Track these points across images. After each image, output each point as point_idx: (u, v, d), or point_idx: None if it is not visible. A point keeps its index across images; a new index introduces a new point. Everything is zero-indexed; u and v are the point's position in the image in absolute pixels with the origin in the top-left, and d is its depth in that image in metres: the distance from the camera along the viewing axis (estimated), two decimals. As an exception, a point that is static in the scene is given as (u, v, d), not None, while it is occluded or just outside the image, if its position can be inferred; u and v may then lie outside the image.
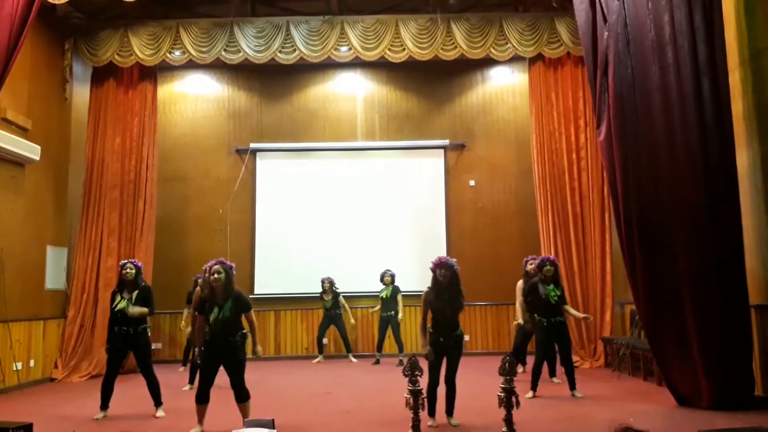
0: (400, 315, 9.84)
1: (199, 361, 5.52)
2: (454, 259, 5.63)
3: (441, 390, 5.55)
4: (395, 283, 9.97)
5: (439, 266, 5.52)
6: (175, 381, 8.41)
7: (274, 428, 4.86)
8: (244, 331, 5.46)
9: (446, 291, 5.50)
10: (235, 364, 5.40)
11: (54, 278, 9.37)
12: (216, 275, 5.32)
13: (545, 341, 7.01)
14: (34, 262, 8.90)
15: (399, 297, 9.89)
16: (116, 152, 10.01)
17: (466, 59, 10.20)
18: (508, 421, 4.61)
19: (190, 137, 11.77)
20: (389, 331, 9.98)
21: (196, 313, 5.61)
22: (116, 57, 9.82)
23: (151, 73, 10.36)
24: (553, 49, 9.88)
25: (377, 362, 9.95)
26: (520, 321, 8.18)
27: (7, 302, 8.00)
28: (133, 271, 6.36)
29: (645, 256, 6.47)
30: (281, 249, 11.24)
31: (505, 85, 11.90)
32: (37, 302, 8.91)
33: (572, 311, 7.30)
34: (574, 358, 9.45)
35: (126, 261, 6.53)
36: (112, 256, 9.68)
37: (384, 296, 9.94)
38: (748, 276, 6.16)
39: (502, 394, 4.63)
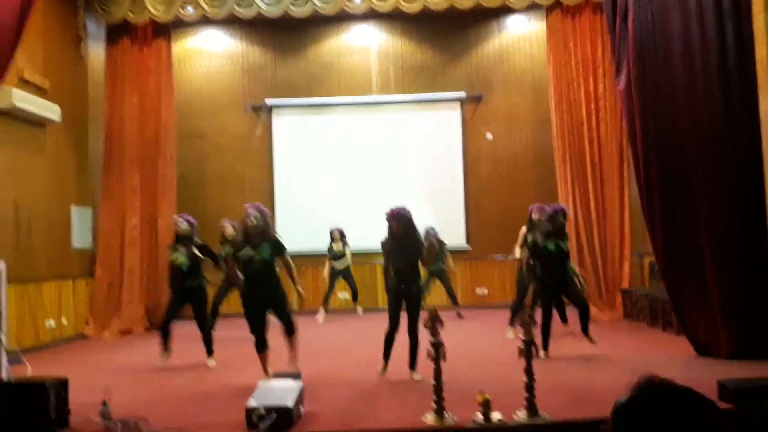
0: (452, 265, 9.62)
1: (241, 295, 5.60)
2: (409, 209, 5.64)
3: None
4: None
5: (392, 218, 5.58)
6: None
7: (301, 380, 5.01)
8: (278, 277, 5.55)
9: (402, 241, 5.56)
10: (277, 301, 5.51)
11: (80, 238, 9.56)
12: (252, 218, 5.39)
13: (548, 297, 6.67)
14: (59, 223, 9.07)
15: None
16: (134, 111, 10.05)
17: (482, 8, 9.98)
18: (528, 371, 4.69)
19: (206, 94, 11.73)
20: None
21: (230, 258, 5.67)
22: (129, 14, 9.73)
23: (165, 30, 10.30)
24: (571, -5, 9.63)
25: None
26: (516, 255, 7.92)
27: (36, 262, 8.21)
28: (188, 227, 6.68)
29: (664, 206, 6.43)
30: (300, 204, 11.29)
31: (522, 34, 11.65)
32: (64, 262, 9.11)
33: (576, 270, 7.01)
34: (593, 309, 9.51)
35: (178, 217, 6.89)
36: (135, 215, 9.85)
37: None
38: (769, 225, 6.12)
39: (522, 345, 4.71)
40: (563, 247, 6.57)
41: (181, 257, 6.59)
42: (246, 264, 5.40)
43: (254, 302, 5.49)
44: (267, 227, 5.46)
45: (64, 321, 8.87)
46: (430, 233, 9.53)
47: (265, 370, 5.62)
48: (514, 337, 7.16)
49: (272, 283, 5.47)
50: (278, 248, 5.48)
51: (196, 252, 6.61)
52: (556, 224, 6.58)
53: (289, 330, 5.61)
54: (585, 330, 6.70)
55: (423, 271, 9.71)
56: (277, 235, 5.59)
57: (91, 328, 9.32)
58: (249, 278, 5.41)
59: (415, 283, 5.66)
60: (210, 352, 6.72)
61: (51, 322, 8.47)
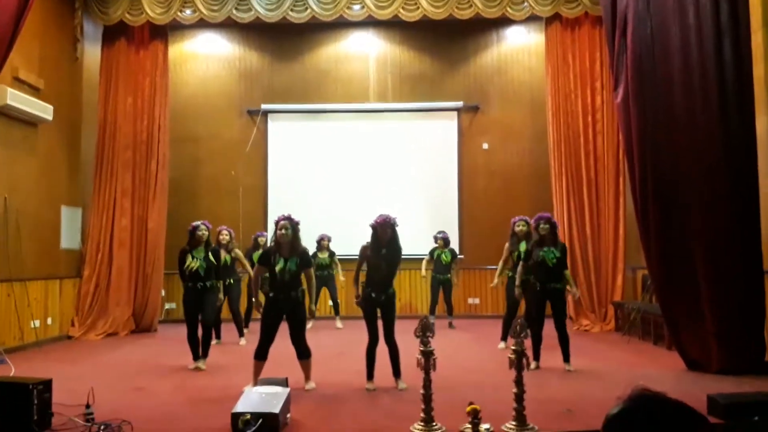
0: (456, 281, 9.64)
1: (259, 311, 5.65)
2: (395, 217, 5.67)
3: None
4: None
5: (381, 225, 5.58)
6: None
7: (287, 386, 4.94)
8: (303, 288, 5.61)
9: (385, 248, 5.58)
10: (298, 321, 5.55)
11: (69, 238, 9.46)
12: (283, 230, 5.47)
13: (538, 307, 6.46)
14: (48, 222, 8.98)
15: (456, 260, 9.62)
16: (128, 112, 9.99)
17: (481, 18, 9.99)
18: (519, 381, 4.63)
19: (201, 98, 11.69)
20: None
21: (258, 264, 5.79)
22: (127, 16, 9.70)
23: (162, 33, 10.26)
24: (570, 8, 9.65)
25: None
26: (494, 283, 8.02)
27: (23, 262, 8.11)
28: (207, 232, 6.82)
29: (659, 220, 6.42)
30: (293, 211, 10.97)
31: (520, 46, 11.68)
32: (52, 261, 9.02)
33: (570, 280, 6.77)
34: (584, 321, 9.53)
35: (199, 222, 6.91)
36: (125, 217, 9.77)
37: (444, 259, 9.58)
38: (763, 242, 6.12)
39: (513, 356, 4.66)
40: (552, 255, 6.36)
41: (196, 263, 6.70)
42: (276, 274, 5.47)
43: (275, 311, 5.53)
44: (296, 239, 5.55)
45: (50, 321, 8.76)
46: (439, 237, 9.55)
47: (255, 378, 5.56)
48: (505, 348, 7.16)
49: (295, 298, 5.52)
50: (306, 261, 5.61)
51: (211, 257, 6.79)
52: (539, 233, 6.49)
53: (303, 354, 5.60)
54: (566, 358, 6.43)
55: (423, 279, 9.88)
56: (306, 248, 5.70)
57: (76, 329, 9.21)
58: (275, 288, 5.48)
59: (386, 291, 5.65)
60: (206, 353, 6.75)
61: (36, 322, 8.37)
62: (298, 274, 5.52)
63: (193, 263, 6.68)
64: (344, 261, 10.04)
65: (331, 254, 9.97)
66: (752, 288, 6.02)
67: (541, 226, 6.44)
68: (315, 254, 9.76)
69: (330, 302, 10.35)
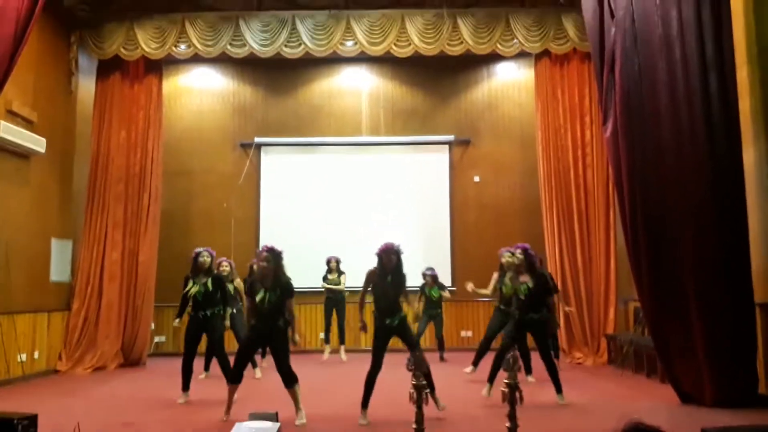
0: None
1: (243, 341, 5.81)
2: (399, 244, 5.82)
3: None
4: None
5: (385, 252, 5.72)
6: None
7: (278, 421, 4.87)
8: (287, 316, 5.66)
9: (390, 274, 5.69)
10: (281, 349, 5.60)
11: (59, 270, 9.39)
12: (265, 262, 5.58)
13: (513, 336, 6.44)
14: (39, 255, 8.92)
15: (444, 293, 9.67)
16: (121, 146, 10.02)
17: (472, 55, 10.16)
18: (512, 416, 4.58)
19: (195, 131, 11.77)
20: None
21: (247, 296, 5.84)
22: (122, 50, 9.81)
23: (157, 67, 10.36)
24: (559, 44, 9.83)
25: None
26: (471, 286, 8.13)
27: (12, 294, 8.04)
28: (210, 259, 6.85)
29: (650, 253, 6.44)
30: (286, 243, 10.87)
31: (510, 81, 11.86)
32: (41, 294, 8.93)
33: (551, 307, 6.70)
34: (578, 354, 9.48)
35: (202, 249, 6.94)
36: (116, 250, 9.72)
37: (433, 296, 9.60)
38: (754, 274, 6.15)
39: (506, 390, 4.61)
40: (524, 287, 6.33)
41: (196, 288, 6.73)
42: (258, 304, 5.56)
43: (254, 336, 5.67)
44: (279, 268, 5.63)
45: (37, 355, 8.63)
46: (428, 274, 9.49)
47: (230, 401, 5.66)
48: (471, 372, 7.55)
49: (278, 326, 5.59)
50: (288, 292, 5.65)
51: (209, 284, 6.78)
52: (515, 264, 6.52)
53: (289, 381, 5.59)
54: (558, 390, 6.38)
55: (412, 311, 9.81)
56: (289, 279, 5.73)
57: (63, 363, 9.08)
58: (256, 317, 5.59)
59: (399, 316, 5.71)
60: (227, 376, 6.50)
61: (23, 356, 8.24)
62: (279, 304, 5.57)
63: (192, 288, 6.71)
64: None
65: (340, 273, 9.86)
66: (743, 320, 6.02)
67: (516, 256, 6.51)
68: (325, 276, 9.85)
69: (321, 335, 10.26)
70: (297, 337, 5.76)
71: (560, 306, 9.05)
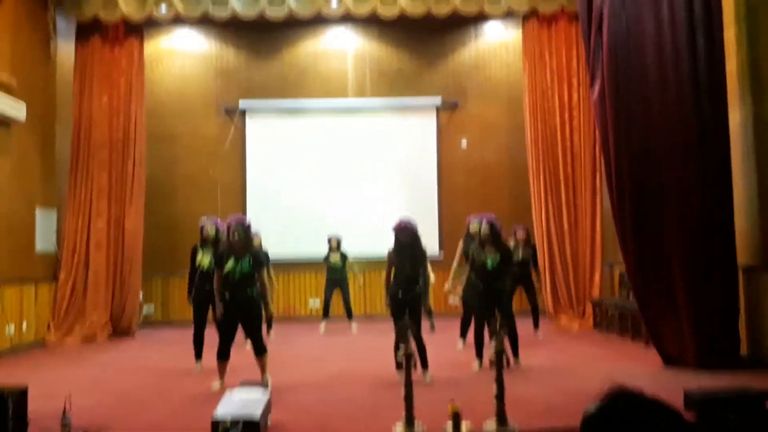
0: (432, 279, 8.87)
1: (218, 317, 5.71)
2: (414, 220, 5.99)
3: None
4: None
5: (400, 229, 5.91)
6: (179, 341, 8.50)
7: (268, 389, 4.92)
8: (257, 286, 5.68)
9: (407, 249, 5.88)
10: (252, 318, 5.67)
11: (44, 240, 9.30)
12: (235, 234, 5.59)
13: (482, 307, 6.44)
14: (23, 225, 8.81)
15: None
16: (103, 111, 9.83)
17: (459, 14, 9.95)
18: (499, 381, 4.66)
19: (178, 95, 11.56)
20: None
21: (216, 267, 5.77)
22: (101, 12, 9.49)
23: (138, 30, 10.10)
24: (547, 4, 9.66)
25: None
26: (446, 288, 7.82)
27: (-3, 265, 7.97)
28: (214, 229, 6.73)
29: (635, 217, 6.49)
30: (272, 209, 11.16)
31: (498, 42, 11.70)
32: (27, 265, 8.85)
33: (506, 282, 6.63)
34: (563, 318, 9.60)
35: (206, 219, 6.89)
36: (102, 218, 9.62)
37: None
38: (737, 236, 6.21)
39: (493, 356, 4.68)
40: (491, 261, 6.32)
41: (206, 260, 6.61)
42: (228, 274, 5.58)
43: (229, 311, 5.62)
44: (249, 240, 5.67)
45: (25, 326, 8.61)
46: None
47: (222, 375, 5.72)
48: (463, 348, 7.42)
49: (249, 296, 5.62)
50: (258, 262, 5.68)
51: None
52: (480, 236, 6.47)
53: (259, 350, 5.70)
54: (515, 354, 6.43)
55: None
56: (261, 250, 5.73)
57: (52, 335, 9.04)
58: (229, 288, 5.58)
59: (413, 290, 5.88)
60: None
61: (11, 328, 8.22)
62: (251, 274, 5.60)
63: (203, 260, 6.65)
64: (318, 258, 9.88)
65: (344, 256, 9.50)
66: (726, 282, 6.11)
67: (483, 228, 6.41)
68: (327, 256, 9.52)
69: (312, 303, 10.29)
70: (271, 310, 5.79)
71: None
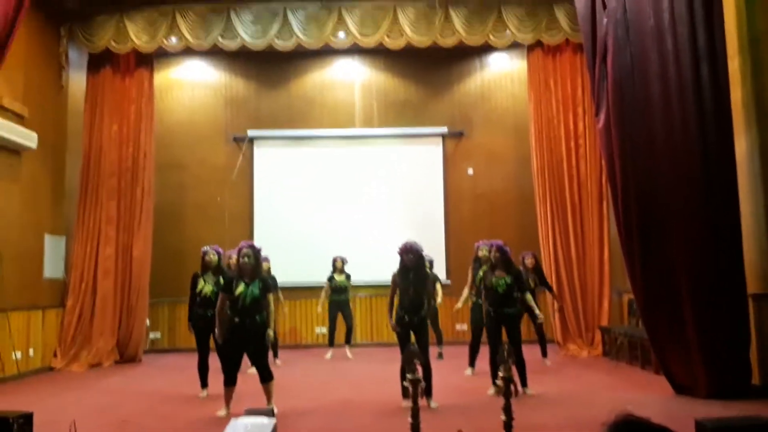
0: (439, 300, 8.80)
1: (219, 341, 5.71)
2: (420, 244, 6.03)
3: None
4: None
5: (405, 251, 5.96)
6: (186, 368, 8.46)
7: (274, 416, 4.87)
8: (267, 312, 5.69)
9: (411, 272, 5.94)
10: (260, 346, 5.65)
11: (52, 267, 9.35)
12: (245, 258, 5.62)
13: (492, 333, 6.48)
14: (31, 251, 8.87)
15: (438, 285, 8.92)
16: (113, 140, 9.96)
17: (464, 46, 10.12)
18: (507, 409, 4.61)
19: (187, 124, 11.70)
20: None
21: (221, 292, 5.75)
22: (112, 43, 9.72)
23: (148, 60, 10.28)
24: (551, 35, 9.80)
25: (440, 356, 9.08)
26: (457, 306, 8.26)
27: (5, 291, 8.00)
28: (216, 257, 6.81)
29: (643, 245, 6.46)
30: (279, 237, 11.18)
31: (503, 72, 11.83)
32: (35, 291, 8.89)
33: (531, 303, 6.84)
34: (572, 346, 9.52)
35: (207, 248, 6.89)
36: (110, 245, 9.67)
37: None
38: (746, 264, 6.17)
39: (500, 383, 4.64)
40: (502, 282, 6.42)
41: (208, 287, 6.66)
42: (238, 299, 5.58)
43: (236, 336, 5.60)
44: (259, 264, 5.70)
45: (32, 353, 8.60)
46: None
47: (228, 403, 5.69)
48: (472, 374, 7.52)
49: (258, 322, 5.61)
50: (267, 287, 5.71)
51: (221, 282, 6.53)
52: (491, 260, 6.60)
53: (265, 377, 5.69)
54: (523, 383, 6.41)
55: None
56: (269, 275, 5.80)
57: (59, 361, 9.05)
58: (237, 313, 5.57)
59: (419, 314, 5.92)
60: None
61: (17, 354, 8.22)
62: (260, 298, 5.60)
63: (205, 288, 6.67)
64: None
65: (348, 277, 9.58)
66: (736, 311, 6.05)
67: (493, 253, 6.57)
68: (332, 276, 9.54)
69: (318, 330, 10.23)
70: (270, 332, 5.72)
71: (553, 302, 9.07)
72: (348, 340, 9.60)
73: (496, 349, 6.28)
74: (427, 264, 8.98)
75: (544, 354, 8.42)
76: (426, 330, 5.99)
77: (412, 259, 5.93)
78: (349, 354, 9.46)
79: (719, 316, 5.99)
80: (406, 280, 5.94)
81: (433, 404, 5.80)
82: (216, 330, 5.76)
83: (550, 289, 8.87)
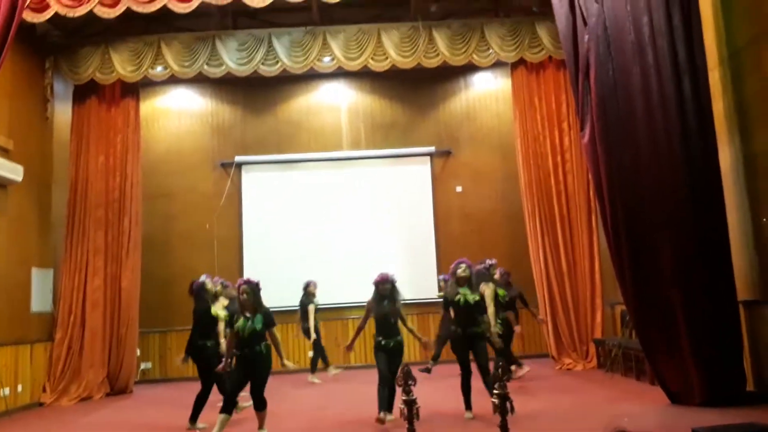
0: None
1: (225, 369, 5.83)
2: (393, 274, 6.41)
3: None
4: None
5: (382, 282, 6.35)
6: (178, 398, 8.33)
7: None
8: (268, 342, 5.75)
9: (386, 300, 6.31)
10: (259, 374, 5.72)
11: (40, 300, 9.21)
12: (244, 294, 5.74)
13: (459, 354, 6.32)
14: (19, 285, 8.76)
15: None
16: (100, 170, 9.91)
17: (448, 66, 10.22)
18: (503, 426, 4.57)
19: (174, 153, 11.69)
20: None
21: (228, 329, 5.91)
22: (97, 74, 9.71)
23: (134, 90, 10.28)
24: (534, 53, 9.91)
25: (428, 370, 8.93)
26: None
27: (-8, 326, 7.88)
28: (217, 286, 7.07)
29: (632, 256, 6.48)
30: (269, 262, 11.14)
31: (488, 91, 11.95)
32: (23, 325, 8.76)
33: (489, 322, 6.53)
34: (567, 360, 9.49)
35: (202, 279, 6.95)
36: (98, 276, 9.57)
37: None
38: (735, 272, 6.21)
39: (496, 400, 4.61)
40: (471, 297, 6.26)
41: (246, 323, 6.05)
42: (238, 332, 5.70)
43: (240, 366, 5.70)
44: (258, 300, 5.81)
45: (20, 389, 8.45)
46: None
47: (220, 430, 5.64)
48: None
49: (258, 352, 5.68)
50: (270, 321, 5.80)
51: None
52: (457, 277, 6.39)
53: (260, 405, 5.78)
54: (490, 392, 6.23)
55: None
56: (267, 309, 5.86)
57: (48, 396, 8.88)
58: (240, 345, 5.70)
59: (395, 338, 6.28)
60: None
61: (5, 390, 8.06)
62: (262, 332, 5.69)
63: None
64: (323, 310, 9.94)
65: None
66: (728, 319, 6.08)
67: (459, 272, 6.37)
68: (313, 300, 9.49)
69: (310, 353, 10.11)
70: (287, 362, 5.85)
71: (536, 317, 9.18)
72: (325, 362, 9.76)
73: (487, 372, 6.12)
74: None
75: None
76: (401, 354, 6.27)
77: (388, 288, 6.32)
78: (315, 379, 9.48)
79: (711, 324, 6.01)
80: (381, 308, 6.28)
81: (389, 417, 5.98)
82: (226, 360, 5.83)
83: (527, 306, 8.74)
